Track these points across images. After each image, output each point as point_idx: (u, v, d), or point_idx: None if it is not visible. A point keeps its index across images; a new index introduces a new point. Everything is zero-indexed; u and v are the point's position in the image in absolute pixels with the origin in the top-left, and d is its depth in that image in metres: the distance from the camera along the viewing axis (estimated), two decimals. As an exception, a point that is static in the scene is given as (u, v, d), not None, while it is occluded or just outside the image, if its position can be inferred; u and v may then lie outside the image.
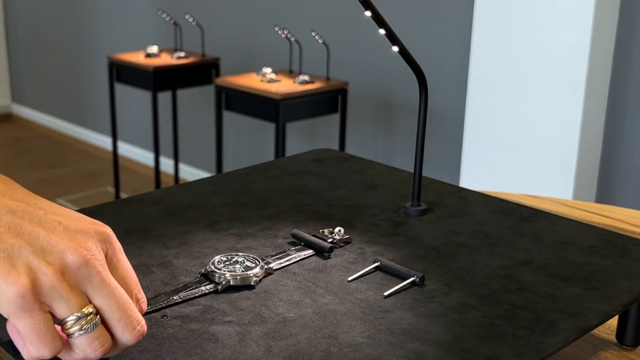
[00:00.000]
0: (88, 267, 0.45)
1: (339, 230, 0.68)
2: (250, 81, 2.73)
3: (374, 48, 2.93)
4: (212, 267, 0.59)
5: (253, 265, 0.60)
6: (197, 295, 0.56)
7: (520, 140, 2.31)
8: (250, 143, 3.56)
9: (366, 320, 0.53)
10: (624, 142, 2.36)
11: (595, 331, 0.67)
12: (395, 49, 0.67)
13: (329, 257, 0.64)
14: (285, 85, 2.68)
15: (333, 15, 3.06)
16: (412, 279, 0.59)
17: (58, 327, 0.45)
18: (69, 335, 0.45)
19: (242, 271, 0.59)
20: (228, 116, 3.19)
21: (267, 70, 2.77)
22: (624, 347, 0.65)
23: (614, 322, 0.65)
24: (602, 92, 2.30)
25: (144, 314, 0.49)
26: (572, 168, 2.22)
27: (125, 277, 0.48)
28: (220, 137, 2.93)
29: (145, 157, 3.86)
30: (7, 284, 0.42)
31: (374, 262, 0.62)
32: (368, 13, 0.64)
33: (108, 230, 0.48)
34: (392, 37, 0.67)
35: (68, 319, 0.44)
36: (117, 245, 0.48)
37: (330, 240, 0.66)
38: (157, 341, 0.50)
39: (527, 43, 2.24)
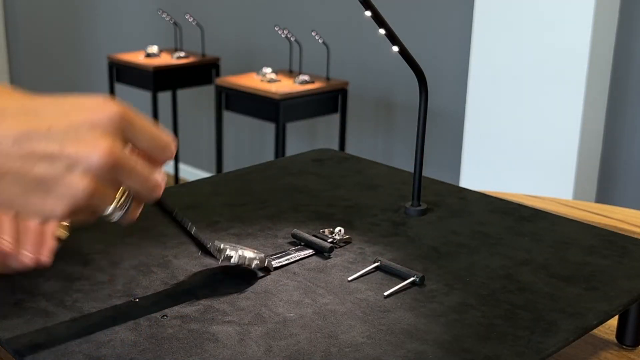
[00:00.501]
0: (115, 166, 0.44)
1: (339, 230, 0.68)
2: (250, 81, 2.73)
3: (374, 48, 2.93)
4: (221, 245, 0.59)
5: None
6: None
7: (520, 140, 2.31)
8: (250, 143, 3.56)
9: (366, 320, 0.53)
10: (624, 142, 2.36)
11: (595, 331, 0.67)
12: (395, 49, 0.67)
13: (329, 257, 0.64)
14: (285, 85, 2.68)
15: (333, 15, 3.06)
16: (412, 279, 0.59)
17: None
18: (113, 215, 0.47)
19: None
20: (228, 116, 3.19)
21: (267, 70, 2.77)
22: (624, 347, 0.65)
23: (614, 322, 0.65)
24: (602, 92, 2.30)
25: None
26: (572, 168, 2.22)
27: (151, 141, 0.48)
28: (220, 137, 2.93)
29: (145, 157, 3.85)
30: (51, 211, 0.43)
31: (374, 262, 0.62)
32: (368, 13, 0.64)
33: (115, 108, 0.45)
34: (392, 37, 0.67)
35: (109, 210, 0.46)
36: (131, 117, 0.46)
37: (330, 240, 0.66)
38: (157, 341, 0.50)
39: (527, 43, 2.24)
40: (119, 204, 0.47)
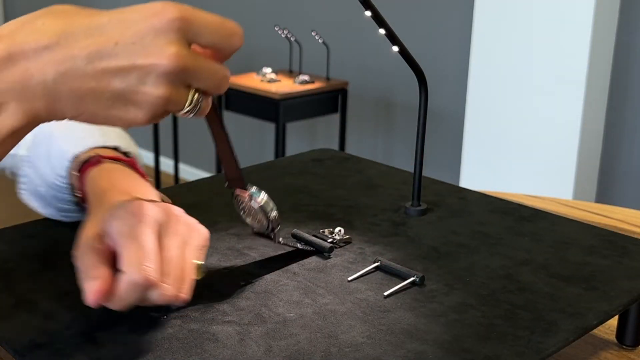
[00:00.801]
0: (184, 69, 0.46)
1: (339, 231, 0.68)
2: (250, 81, 2.73)
3: (374, 48, 2.93)
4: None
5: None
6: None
7: (520, 140, 2.31)
8: (250, 143, 3.56)
9: (366, 320, 0.53)
10: (624, 142, 2.36)
11: (595, 331, 0.67)
12: (395, 49, 0.67)
13: (329, 257, 0.64)
14: (285, 85, 2.68)
15: (333, 15, 3.06)
16: (412, 279, 0.59)
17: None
18: (190, 113, 0.49)
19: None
20: (228, 116, 3.18)
21: (267, 70, 2.77)
22: (624, 347, 0.65)
23: (614, 322, 0.65)
24: (602, 92, 2.30)
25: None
26: (572, 168, 2.22)
27: (216, 34, 0.49)
28: (220, 137, 2.92)
29: (145, 156, 3.86)
30: (134, 119, 0.46)
31: (374, 262, 0.62)
32: (368, 13, 0.64)
33: (174, 11, 0.46)
34: (392, 37, 0.67)
35: (185, 109, 0.48)
36: (191, 16, 0.47)
37: (330, 240, 0.66)
38: (157, 341, 0.50)
39: (527, 43, 2.24)
40: (192, 102, 0.48)
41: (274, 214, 0.62)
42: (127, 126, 0.47)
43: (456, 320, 0.54)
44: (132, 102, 0.45)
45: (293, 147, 3.21)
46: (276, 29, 2.95)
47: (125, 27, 0.45)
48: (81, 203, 0.64)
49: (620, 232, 0.73)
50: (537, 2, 2.18)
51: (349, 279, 0.60)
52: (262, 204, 0.61)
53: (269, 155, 3.32)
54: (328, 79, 2.79)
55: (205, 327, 0.52)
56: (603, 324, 0.57)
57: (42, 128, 0.69)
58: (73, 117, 0.46)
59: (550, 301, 0.57)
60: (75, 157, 0.67)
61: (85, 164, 0.64)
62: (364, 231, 0.69)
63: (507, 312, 0.55)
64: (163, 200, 0.59)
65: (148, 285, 0.48)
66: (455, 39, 2.68)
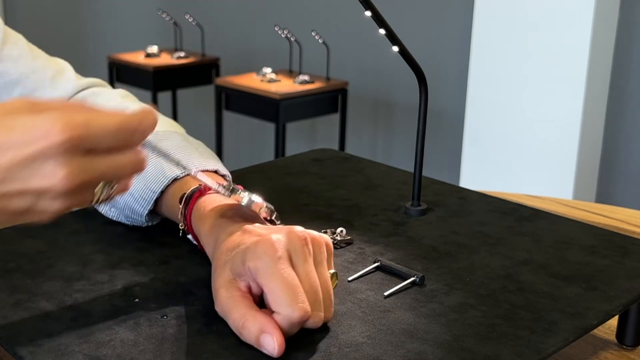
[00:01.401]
0: (80, 184, 0.47)
1: (341, 231, 0.68)
2: (250, 81, 2.73)
3: (374, 48, 2.93)
4: (233, 186, 0.59)
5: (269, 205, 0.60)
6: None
7: (520, 140, 2.31)
8: (250, 143, 3.56)
9: (366, 320, 0.53)
10: (624, 142, 2.36)
11: (595, 331, 0.67)
12: (395, 49, 0.67)
13: (329, 257, 0.64)
14: (285, 85, 2.68)
15: (333, 15, 3.06)
16: (412, 279, 0.59)
17: None
18: (101, 202, 0.51)
19: (257, 201, 0.59)
20: (228, 116, 3.19)
21: (267, 70, 2.77)
22: (624, 347, 0.65)
23: (614, 322, 0.65)
24: (602, 92, 2.30)
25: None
26: (572, 168, 2.22)
27: (116, 137, 0.49)
28: (220, 137, 2.93)
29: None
30: (40, 222, 0.48)
31: (374, 262, 0.62)
32: (368, 13, 0.64)
33: (63, 134, 0.45)
34: (392, 37, 0.67)
35: (93, 204, 0.50)
36: (84, 133, 0.46)
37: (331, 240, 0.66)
38: (157, 341, 0.50)
39: (527, 43, 2.24)
40: (100, 197, 0.50)
41: (263, 208, 0.61)
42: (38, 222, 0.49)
43: (456, 320, 0.54)
44: (35, 214, 0.47)
45: (293, 147, 3.21)
46: (276, 29, 2.95)
47: (16, 148, 0.45)
48: (185, 231, 0.64)
49: (620, 232, 0.73)
50: (537, 2, 2.18)
51: (349, 279, 0.60)
52: (246, 204, 0.60)
53: (269, 155, 3.32)
54: (328, 79, 2.79)
55: (205, 327, 0.52)
56: (603, 324, 0.57)
57: None
58: None
59: (550, 301, 0.57)
60: (175, 180, 0.67)
61: (190, 198, 0.63)
62: (364, 231, 0.69)
63: (507, 312, 0.55)
64: (272, 211, 0.59)
65: (305, 320, 0.49)
66: (455, 39, 2.69)
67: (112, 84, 3.18)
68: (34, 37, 0.82)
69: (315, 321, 0.50)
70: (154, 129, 0.50)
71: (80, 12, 4.31)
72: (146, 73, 3.07)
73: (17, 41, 0.80)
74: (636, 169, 2.34)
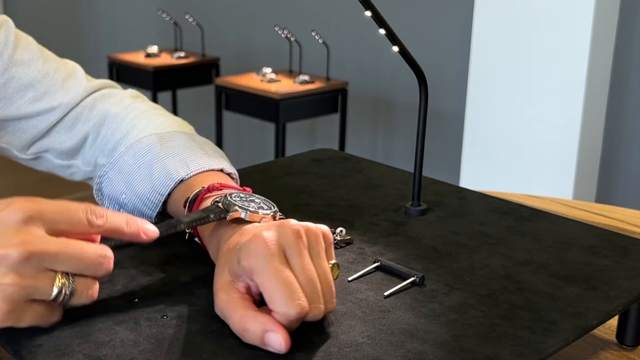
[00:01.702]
0: (36, 253, 0.48)
1: (341, 231, 0.68)
2: (250, 81, 2.74)
3: (374, 48, 2.93)
4: (229, 199, 0.59)
5: (267, 209, 0.60)
6: (204, 222, 0.57)
7: (520, 140, 2.31)
8: (250, 143, 3.56)
9: (366, 320, 0.53)
10: (624, 142, 2.36)
11: (595, 331, 0.67)
12: (395, 49, 0.67)
13: (329, 257, 0.64)
14: (285, 85, 2.68)
15: (333, 15, 3.06)
16: (412, 279, 0.59)
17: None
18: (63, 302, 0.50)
19: (254, 209, 0.58)
20: (228, 116, 3.19)
21: (267, 70, 2.77)
22: (624, 347, 0.65)
23: (614, 322, 0.65)
24: (602, 92, 2.30)
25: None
26: (572, 168, 2.22)
27: (64, 226, 0.50)
28: (220, 137, 2.93)
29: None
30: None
31: (374, 262, 0.62)
32: (368, 13, 0.64)
33: (20, 207, 0.48)
34: (392, 37, 0.67)
35: (52, 296, 0.49)
36: (39, 208, 0.49)
37: (330, 240, 0.66)
38: (157, 341, 0.50)
39: (527, 43, 2.24)
40: (60, 287, 0.49)
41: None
42: None
43: (456, 320, 0.54)
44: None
45: (293, 147, 3.21)
46: (276, 29, 2.95)
47: None
48: (192, 234, 0.65)
49: (620, 232, 0.73)
50: (538, 2, 2.18)
51: (349, 279, 0.60)
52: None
53: (269, 155, 3.32)
54: (328, 79, 2.79)
55: (205, 327, 0.52)
56: (603, 324, 0.57)
57: (142, 143, 0.71)
58: None
59: (550, 301, 0.57)
60: (181, 181, 0.67)
61: (193, 202, 0.63)
62: (364, 231, 0.69)
63: (507, 312, 0.55)
64: (273, 217, 0.59)
65: (303, 315, 0.49)
66: (455, 39, 2.69)
67: (112, 84, 3.18)
68: (34, 37, 0.82)
69: (315, 314, 0.50)
70: (99, 226, 0.51)
71: (80, 12, 4.31)
72: (146, 73, 3.07)
73: (28, 45, 0.80)
74: (636, 169, 2.34)
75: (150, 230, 0.54)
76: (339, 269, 0.56)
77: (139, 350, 0.49)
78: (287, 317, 0.49)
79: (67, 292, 0.49)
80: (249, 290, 0.52)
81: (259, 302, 0.52)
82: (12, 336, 0.50)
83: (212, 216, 0.58)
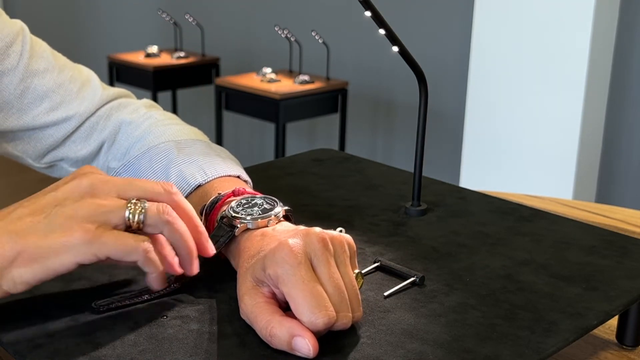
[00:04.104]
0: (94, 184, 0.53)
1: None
2: (250, 81, 2.74)
3: (374, 48, 2.93)
4: (232, 213, 0.59)
5: (270, 209, 0.59)
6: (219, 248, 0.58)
7: (520, 140, 2.31)
8: (250, 143, 3.56)
9: (366, 320, 0.53)
10: (624, 142, 2.36)
11: (595, 331, 0.67)
12: (395, 49, 0.67)
13: (329, 257, 0.64)
14: (285, 85, 2.68)
15: (333, 15, 3.06)
16: (412, 279, 0.59)
17: None
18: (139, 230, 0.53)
19: (258, 215, 0.58)
20: (228, 116, 3.19)
21: (267, 70, 2.77)
22: (624, 347, 0.65)
23: (614, 322, 0.65)
24: (602, 92, 2.30)
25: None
26: (572, 168, 2.22)
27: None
28: (220, 137, 2.93)
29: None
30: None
31: (374, 262, 0.62)
32: (368, 13, 0.64)
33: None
34: (392, 37, 0.67)
35: (127, 215, 0.52)
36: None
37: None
38: (157, 341, 0.50)
39: (527, 43, 2.24)
40: (132, 206, 0.52)
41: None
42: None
43: (456, 320, 0.54)
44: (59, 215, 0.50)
45: (293, 147, 3.21)
46: (276, 29, 2.96)
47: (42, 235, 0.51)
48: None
49: (620, 232, 0.73)
50: (538, 3, 2.18)
51: (349, 279, 0.60)
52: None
53: (269, 155, 3.32)
54: (328, 79, 2.79)
55: (205, 327, 0.52)
56: (603, 324, 0.57)
57: (159, 148, 0.72)
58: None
59: (550, 301, 0.57)
60: (198, 187, 0.67)
61: (210, 210, 0.63)
62: (364, 231, 0.69)
63: (507, 312, 0.55)
64: (278, 220, 0.59)
65: (331, 325, 0.49)
66: (455, 39, 2.69)
67: (112, 84, 3.18)
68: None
69: (344, 322, 0.50)
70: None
71: (80, 12, 4.31)
72: (146, 73, 3.07)
73: (43, 52, 0.80)
74: (636, 169, 2.34)
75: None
76: (363, 279, 0.56)
77: (138, 350, 0.49)
78: (315, 326, 0.48)
79: (140, 212, 0.52)
80: (274, 295, 0.51)
81: (284, 309, 0.51)
82: (12, 336, 0.50)
83: (222, 240, 0.58)
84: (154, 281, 0.53)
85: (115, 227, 0.51)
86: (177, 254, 0.54)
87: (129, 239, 0.50)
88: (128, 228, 0.52)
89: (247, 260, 0.54)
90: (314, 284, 0.49)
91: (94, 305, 0.53)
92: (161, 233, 0.53)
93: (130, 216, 0.51)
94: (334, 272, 0.51)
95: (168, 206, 0.53)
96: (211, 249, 0.57)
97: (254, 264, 0.52)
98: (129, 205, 0.52)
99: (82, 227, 0.49)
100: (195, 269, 0.55)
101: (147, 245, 0.51)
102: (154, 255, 0.51)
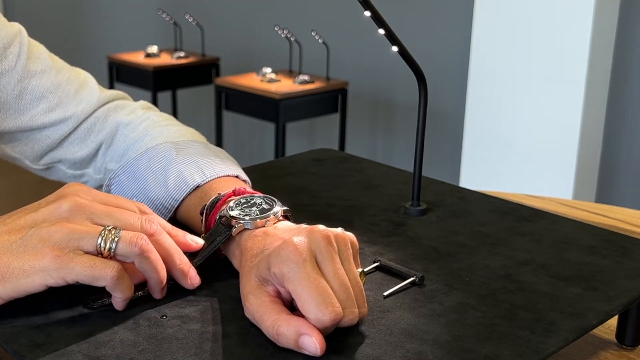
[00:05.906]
0: (79, 208, 0.54)
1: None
2: (250, 81, 2.74)
3: (373, 48, 2.93)
4: (230, 213, 0.59)
5: (268, 209, 0.59)
6: (214, 249, 0.58)
7: (520, 140, 2.31)
8: (250, 143, 3.56)
9: (366, 320, 0.53)
10: (624, 142, 2.36)
11: (595, 331, 0.67)
12: (395, 49, 0.67)
13: (329, 257, 0.64)
14: (285, 85, 2.68)
15: (333, 15, 3.06)
16: (412, 279, 0.59)
17: None
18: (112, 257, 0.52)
19: (255, 215, 0.58)
20: (228, 116, 3.19)
21: (267, 70, 2.77)
22: (624, 347, 0.65)
23: (614, 322, 0.65)
24: (602, 92, 2.30)
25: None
26: (572, 168, 2.22)
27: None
28: (220, 137, 2.93)
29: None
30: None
31: (374, 262, 0.62)
32: (368, 13, 0.64)
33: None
34: (392, 37, 0.67)
35: (98, 243, 0.52)
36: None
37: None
38: (157, 341, 0.50)
39: (527, 43, 2.24)
40: (105, 234, 0.52)
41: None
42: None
43: (456, 320, 0.54)
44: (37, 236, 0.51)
45: (293, 147, 3.21)
46: (276, 29, 2.96)
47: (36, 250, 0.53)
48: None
49: (620, 232, 0.73)
50: (538, 3, 2.18)
51: (349, 279, 0.60)
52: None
53: (269, 155, 3.32)
54: (328, 79, 2.79)
55: (205, 327, 0.52)
56: (603, 324, 0.57)
57: (157, 149, 0.72)
58: None
59: (550, 301, 0.57)
60: (197, 187, 0.67)
61: (210, 210, 0.63)
62: (364, 231, 0.69)
63: (507, 312, 0.55)
64: (277, 219, 0.59)
65: (337, 321, 0.49)
66: (455, 39, 2.69)
67: (112, 84, 3.18)
68: (34, 38, 0.82)
69: (350, 318, 0.50)
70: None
71: (80, 12, 4.31)
72: (146, 73, 3.07)
73: (40, 54, 0.80)
74: (636, 169, 2.34)
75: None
76: (365, 276, 0.55)
77: (138, 350, 0.49)
78: (322, 323, 0.48)
79: (112, 241, 0.52)
80: (278, 294, 0.51)
81: (289, 308, 0.51)
82: (12, 336, 0.50)
83: (218, 239, 0.58)
84: (119, 305, 0.53)
85: (88, 253, 0.51)
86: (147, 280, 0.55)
87: (98, 265, 0.50)
88: (100, 254, 0.52)
89: (250, 260, 0.54)
90: (320, 281, 0.49)
91: (87, 302, 0.53)
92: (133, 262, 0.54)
93: (102, 243, 0.52)
94: (339, 268, 0.51)
95: (144, 236, 0.53)
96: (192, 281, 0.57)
97: (258, 263, 0.52)
98: (102, 232, 0.52)
99: (53, 251, 0.50)
100: (160, 296, 0.55)
101: (115, 272, 0.51)
102: (122, 282, 0.51)
